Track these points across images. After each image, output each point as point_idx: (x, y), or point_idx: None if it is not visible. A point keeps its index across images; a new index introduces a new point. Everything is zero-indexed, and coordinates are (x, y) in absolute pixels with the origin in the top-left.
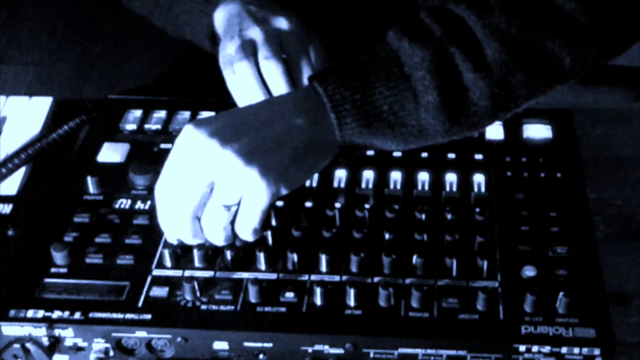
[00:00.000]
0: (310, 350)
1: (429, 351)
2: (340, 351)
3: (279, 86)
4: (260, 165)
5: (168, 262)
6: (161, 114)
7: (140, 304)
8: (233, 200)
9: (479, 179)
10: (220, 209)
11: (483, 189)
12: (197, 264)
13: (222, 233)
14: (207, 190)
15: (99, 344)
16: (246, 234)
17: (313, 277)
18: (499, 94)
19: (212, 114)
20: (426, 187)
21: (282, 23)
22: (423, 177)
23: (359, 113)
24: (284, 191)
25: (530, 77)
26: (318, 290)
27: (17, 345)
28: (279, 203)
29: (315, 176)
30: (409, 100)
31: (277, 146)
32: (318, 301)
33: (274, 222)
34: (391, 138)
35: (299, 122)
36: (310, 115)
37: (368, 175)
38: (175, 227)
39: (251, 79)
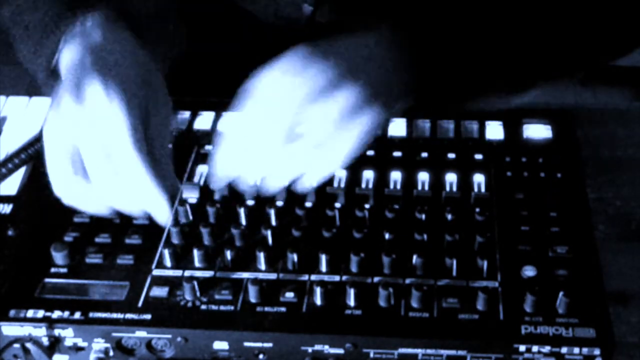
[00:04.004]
0: (310, 350)
1: (429, 351)
2: (340, 351)
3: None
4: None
5: (168, 262)
6: None
7: (140, 304)
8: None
9: (479, 179)
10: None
11: (483, 189)
12: (197, 264)
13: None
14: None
15: (99, 344)
16: (336, 163)
17: (313, 277)
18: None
19: (211, 114)
20: (426, 187)
21: (108, 117)
22: (423, 177)
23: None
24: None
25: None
26: (318, 290)
27: (17, 345)
28: (279, 203)
29: None
30: None
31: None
32: (318, 301)
33: (274, 222)
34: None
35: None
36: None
37: (368, 175)
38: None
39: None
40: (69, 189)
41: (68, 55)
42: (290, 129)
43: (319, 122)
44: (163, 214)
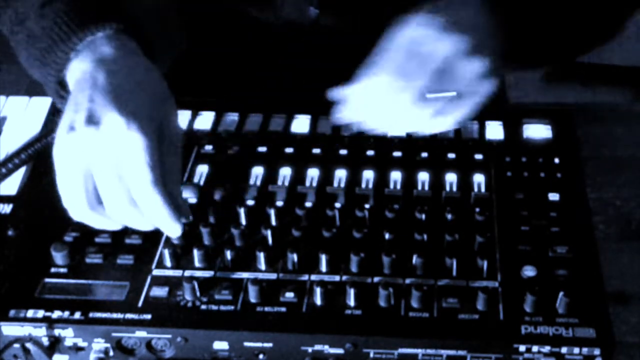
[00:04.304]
0: (310, 350)
1: (429, 351)
2: (340, 351)
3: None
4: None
5: (168, 262)
6: None
7: (140, 304)
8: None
9: (479, 179)
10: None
11: (483, 189)
12: (197, 264)
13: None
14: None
15: (99, 344)
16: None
17: (313, 277)
18: None
19: (211, 114)
20: (426, 187)
21: (122, 141)
22: (423, 177)
23: None
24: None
25: None
26: (318, 290)
27: (17, 345)
28: (279, 203)
29: (316, 176)
30: None
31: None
32: (318, 301)
33: (274, 222)
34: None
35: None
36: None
37: (368, 175)
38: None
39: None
40: (83, 215)
41: (78, 69)
42: (426, 88)
43: (453, 84)
44: (174, 234)
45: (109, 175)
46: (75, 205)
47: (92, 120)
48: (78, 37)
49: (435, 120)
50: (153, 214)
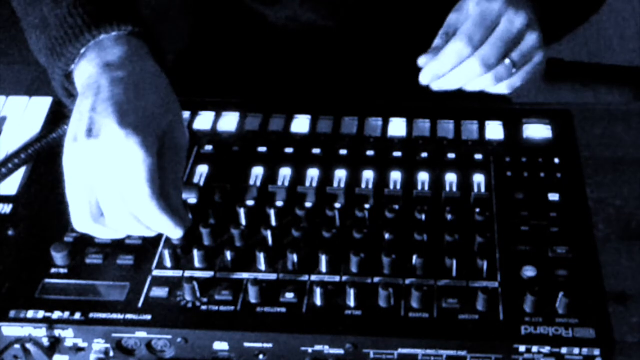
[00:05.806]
0: (310, 350)
1: (429, 351)
2: (340, 351)
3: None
4: None
5: (168, 262)
6: None
7: (140, 304)
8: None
9: (479, 179)
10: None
11: (483, 189)
12: (197, 264)
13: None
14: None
15: (99, 345)
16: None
17: (313, 278)
18: None
19: (211, 114)
20: (426, 187)
21: (124, 161)
22: (423, 177)
23: None
24: None
25: None
26: (318, 291)
27: (17, 346)
28: (279, 203)
29: (316, 176)
30: None
31: None
32: (318, 301)
33: (274, 223)
34: None
35: None
36: None
37: (368, 175)
38: None
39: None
40: (86, 226)
41: (85, 71)
42: (490, 57)
43: (513, 54)
44: (175, 237)
45: (109, 188)
46: (78, 216)
47: (92, 132)
48: (92, 34)
49: (495, 86)
50: (153, 225)
